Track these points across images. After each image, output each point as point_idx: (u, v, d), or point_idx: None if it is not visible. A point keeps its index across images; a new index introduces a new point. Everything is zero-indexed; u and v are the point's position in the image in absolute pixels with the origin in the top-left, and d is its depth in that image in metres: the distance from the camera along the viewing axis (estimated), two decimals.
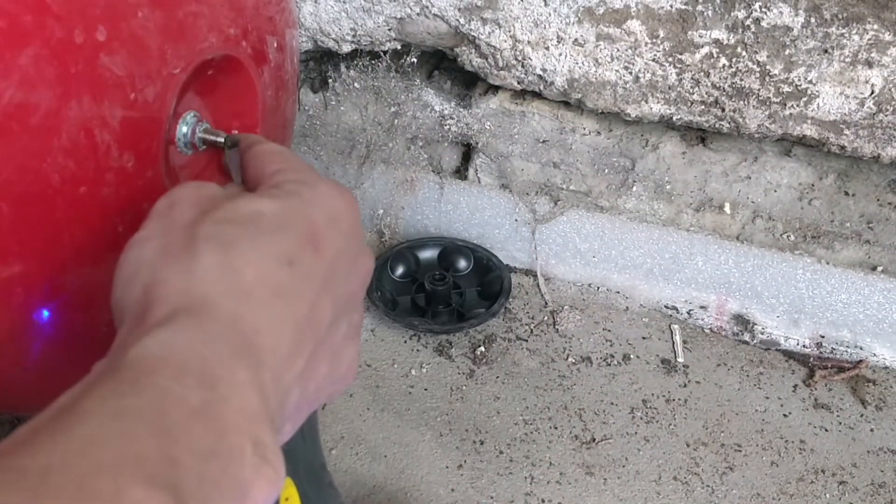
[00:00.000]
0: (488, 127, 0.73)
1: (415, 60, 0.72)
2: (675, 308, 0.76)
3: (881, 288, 0.70)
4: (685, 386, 0.69)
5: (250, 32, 0.49)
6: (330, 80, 0.76)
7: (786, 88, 0.61)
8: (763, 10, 0.57)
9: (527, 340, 0.72)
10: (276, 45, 0.53)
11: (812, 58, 0.59)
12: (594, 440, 0.63)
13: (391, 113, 0.75)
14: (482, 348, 0.71)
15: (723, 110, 0.64)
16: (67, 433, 0.21)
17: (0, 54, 0.30)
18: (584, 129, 0.72)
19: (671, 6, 0.59)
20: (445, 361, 0.69)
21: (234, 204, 0.30)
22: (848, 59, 0.58)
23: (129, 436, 0.21)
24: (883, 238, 0.70)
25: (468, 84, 0.75)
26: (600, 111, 0.67)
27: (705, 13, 0.59)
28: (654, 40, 0.61)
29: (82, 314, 0.39)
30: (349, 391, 0.66)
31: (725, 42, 0.60)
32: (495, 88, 0.72)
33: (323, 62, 0.77)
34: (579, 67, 0.64)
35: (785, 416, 0.67)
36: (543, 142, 0.73)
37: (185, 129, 0.44)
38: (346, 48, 0.69)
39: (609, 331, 0.74)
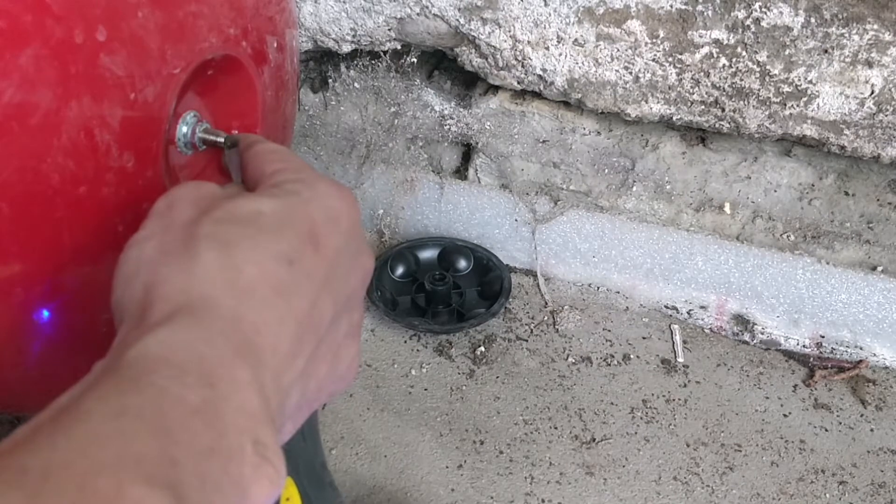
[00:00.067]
0: (488, 127, 0.73)
1: (415, 60, 0.72)
2: (675, 308, 0.76)
3: (881, 288, 0.70)
4: (685, 386, 0.69)
5: (250, 32, 0.49)
6: (330, 80, 0.76)
7: (786, 88, 0.61)
8: (763, 10, 0.57)
9: (527, 340, 0.72)
10: (276, 45, 0.53)
11: (812, 58, 0.59)
12: (594, 440, 0.63)
13: (391, 113, 0.75)
14: (482, 348, 0.71)
15: (723, 110, 0.64)
16: (67, 432, 0.21)
17: (0, 54, 0.30)
18: (584, 129, 0.72)
19: (671, 6, 0.59)
20: (445, 361, 0.69)
21: (234, 203, 0.30)
22: (848, 59, 0.58)
23: (130, 435, 0.21)
24: (883, 238, 0.70)
25: (468, 84, 0.75)
26: (600, 111, 0.67)
27: (705, 13, 0.59)
28: (654, 40, 0.61)
29: (82, 314, 0.39)
30: (349, 391, 0.66)
31: (725, 42, 0.60)
32: (495, 88, 0.72)
33: (323, 62, 0.77)
34: (579, 67, 0.64)
35: (785, 416, 0.67)
36: (543, 142, 0.73)
37: (185, 129, 0.44)
38: (346, 48, 0.69)
39: (609, 331, 0.74)
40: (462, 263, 0.77)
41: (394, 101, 0.74)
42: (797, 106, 0.62)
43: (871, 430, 0.66)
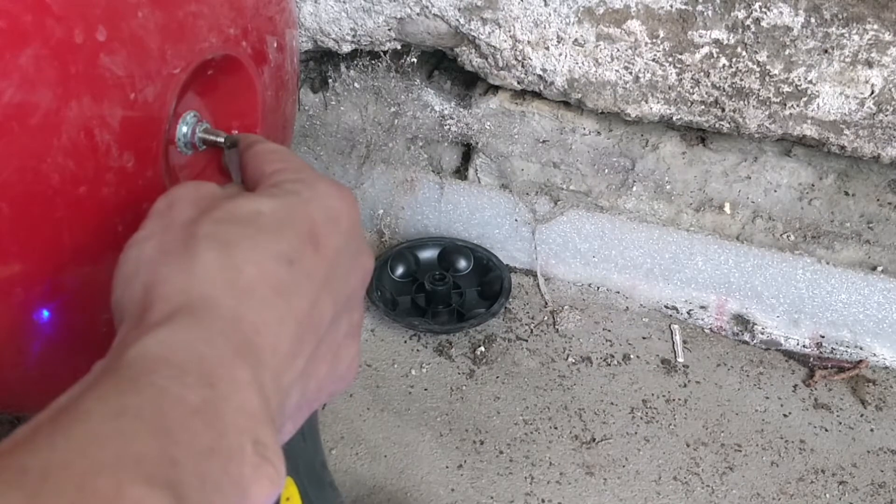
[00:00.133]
0: (488, 127, 0.73)
1: (415, 60, 0.72)
2: (675, 308, 0.76)
3: (881, 288, 0.70)
4: (685, 386, 0.69)
5: (250, 32, 0.49)
6: (330, 80, 0.76)
7: (786, 88, 0.61)
8: (763, 10, 0.57)
9: (527, 340, 0.72)
10: (276, 45, 0.53)
11: (812, 58, 0.59)
12: (594, 440, 0.63)
13: (391, 113, 0.75)
14: (482, 348, 0.71)
15: (723, 110, 0.64)
16: (67, 432, 0.21)
17: (0, 54, 0.30)
18: (584, 129, 0.72)
19: (671, 6, 0.59)
20: (445, 361, 0.69)
21: (234, 203, 0.30)
22: (848, 59, 0.58)
23: (129, 435, 0.21)
24: (883, 238, 0.70)
25: (468, 84, 0.75)
26: (600, 111, 0.67)
27: (705, 13, 0.59)
28: (654, 40, 0.61)
29: (82, 314, 0.39)
30: (349, 391, 0.66)
31: (725, 42, 0.60)
32: (495, 88, 0.72)
33: (323, 62, 0.77)
34: (579, 67, 0.64)
35: (785, 416, 0.67)
36: (543, 142, 0.73)
37: (185, 129, 0.44)
38: (346, 48, 0.69)
39: (609, 331, 0.74)
40: (462, 263, 0.77)
41: (394, 101, 0.74)
42: (797, 106, 0.62)
43: (871, 430, 0.66)
